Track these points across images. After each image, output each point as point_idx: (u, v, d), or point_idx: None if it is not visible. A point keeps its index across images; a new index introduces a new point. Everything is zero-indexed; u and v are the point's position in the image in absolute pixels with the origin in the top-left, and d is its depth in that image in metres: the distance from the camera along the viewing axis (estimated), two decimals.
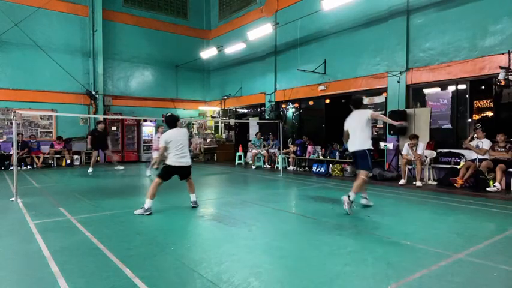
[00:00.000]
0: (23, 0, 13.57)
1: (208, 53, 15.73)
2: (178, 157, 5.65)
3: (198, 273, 3.08)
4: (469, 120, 9.18)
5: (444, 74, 9.10)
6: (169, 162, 5.64)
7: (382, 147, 10.23)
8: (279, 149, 11.79)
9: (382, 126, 10.88)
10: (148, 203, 5.37)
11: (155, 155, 11.42)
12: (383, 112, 10.70)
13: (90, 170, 11.06)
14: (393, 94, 10.06)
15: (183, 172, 5.82)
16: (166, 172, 5.64)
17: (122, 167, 12.01)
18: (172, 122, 5.76)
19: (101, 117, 13.91)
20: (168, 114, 5.95)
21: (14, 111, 6.72)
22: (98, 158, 14.95)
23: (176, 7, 18.10)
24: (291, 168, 12.23)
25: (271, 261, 3.45)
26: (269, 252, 3.76)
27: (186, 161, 5.78)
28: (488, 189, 7.23)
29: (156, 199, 7.10)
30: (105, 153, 12.74)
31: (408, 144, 8.53)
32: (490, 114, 9.17)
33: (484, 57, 8.36)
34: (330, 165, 10.52)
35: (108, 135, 12.41)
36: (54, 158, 13.68)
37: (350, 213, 5.19)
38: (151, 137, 15.84)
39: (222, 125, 17.70)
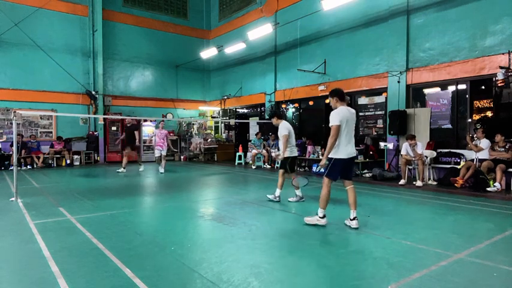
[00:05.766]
0: (23, 0, 13.58)
1: (208, 53, 15.73)
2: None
3: (198, 273, 3.08)
4: (469, 120, 9.18)
5: (444, 74, 9.10)
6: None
7: (382, 147, 10.23)
8: (279, 149, 11.76)
9: (382, 126, 10.89)
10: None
11: (157, 153, 11.54)
12: (383, 112, 10.74)
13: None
14: (393, 94, 10.06)
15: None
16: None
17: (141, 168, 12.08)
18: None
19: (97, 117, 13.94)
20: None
21: (14, 111, 6.72)
22: (98, 158, 15.01)
23: (176, 7, 18.10)
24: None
25: (271, 261, 3.45)
26: (269, 252, 3.76)
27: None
28: (488, 189, 7.23)
29: (157, 199, 7.12)
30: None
31: (410, 145, 8.48)
32: (490, 114, 9.17)
33: (484, 57, 8.36)
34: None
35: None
36: (54, 158, 13.68)
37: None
38: (150, 137, 15.87)
39: (222, 125, 17.70)
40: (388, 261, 3.37)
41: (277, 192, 6.44)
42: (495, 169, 7.34)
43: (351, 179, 4.82)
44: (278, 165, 11.59)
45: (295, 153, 6.58)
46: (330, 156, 4.62)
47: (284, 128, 6.40)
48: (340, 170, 4.65)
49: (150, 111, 16.85)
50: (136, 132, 11.83)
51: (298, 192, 6.50)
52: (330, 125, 4.56)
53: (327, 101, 12.15)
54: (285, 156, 6.41)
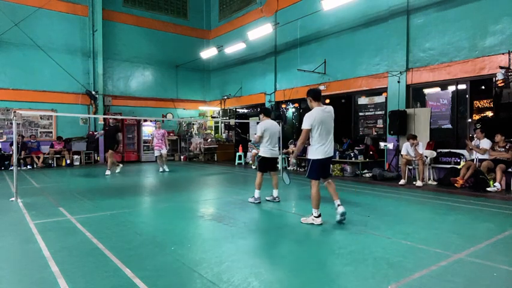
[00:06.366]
0: (23, 0, 13.57)
1: (208, 53, 15.74)
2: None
3: (198, 273, 3.08)
4: (469, 120, 9.18)
5: (444, 74, 9.10)
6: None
7: (382, 147, 10.22)
8: (279, 149, 11.79)
9: (382, 126, 10.89)
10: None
11: (157, 153, 11.73)
12: (383, 112, 10.74)
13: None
14: (393, 94, 10.05)
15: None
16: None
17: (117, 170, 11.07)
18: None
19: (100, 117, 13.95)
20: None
21: (14, 111, 6.72)
22: (98, 158, 15.00)
23: (176, 7, 18.10)
24: (290, 168, 12.23)
25: (271, 261, 3.45)
26: (269, 252, 3.76)
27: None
28: (488, 189, 7.23)
29: (157, 199, 7.12)
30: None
31: (412, 144, 8.46)
32: (490, 114, 9.17)
33: (484, 57, 8.36)
34: (330, 165, 10.51)
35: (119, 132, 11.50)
36: (54, 158, 13.68)
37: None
38: (151, 137, 15.89)
39: (222, 125, 17.71)
40: (388, 261, 3.37)
41: (275, 192, 6.44)
42: (495, 169, 7.34)
43: (328, 177, 4.96)
44: (277, 165, 11.70)
45: (272, 155, 6.33)
46: (308, 157, 4.79)
47: (259, 127, 6.28)
48: (320, 169, 4.75)
49: (150, 111, 16.84)
50: (119, 134, 11.12)
51: (257, 194, 6.28)
52: (302, 127, 4.72)
53: (327, 101, 12.23)
54: (259, 154, 6.38)
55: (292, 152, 12.26)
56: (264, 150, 6.30)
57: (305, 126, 4.65)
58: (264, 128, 6.24)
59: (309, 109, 4.89)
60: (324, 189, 4.88)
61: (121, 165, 11.19)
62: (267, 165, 6.37)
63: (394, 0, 9.97)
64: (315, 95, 4.84)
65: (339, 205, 4.75)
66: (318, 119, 4.62)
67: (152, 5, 17.27)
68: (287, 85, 13.88)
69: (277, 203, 6.30)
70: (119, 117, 14.57)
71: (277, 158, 6.51)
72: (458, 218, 5.29)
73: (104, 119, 15.01)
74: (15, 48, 13.58)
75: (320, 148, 4.67)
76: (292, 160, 4.82)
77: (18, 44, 13.59)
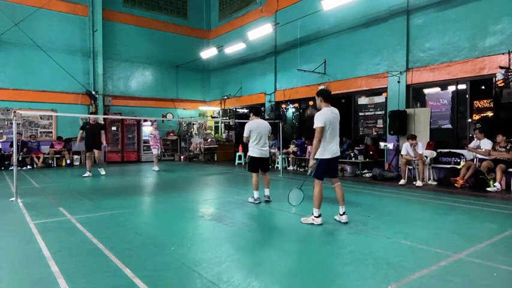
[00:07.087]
0: (23, 0, 13.57)
1: (208, 53, 15.74)
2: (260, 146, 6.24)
3: (198, 273, 3.08)
4: (469, 120, 9.18)
5: (444, 74, 9.10)
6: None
7: (382, 147, 10.22)
8: (279, 149, 11.81)
9: (382, 126, 10.89)
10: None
11: (155, 152, 12.04)
12: (383, 112, 10.74)
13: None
14: (393, 94, 10.05)
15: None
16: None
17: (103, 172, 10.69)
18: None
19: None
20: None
21: (14, 111, 6.72)
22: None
23: (176, 7, 18.10)
24: (290, 168, 12.23)
25: (271, 261, 3.45)
26: (269, 252, 3.76)
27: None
28: (488, 189, 7.23)
29: (157, 199, 7.12)
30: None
31: (411, 145, 8.46)
32: (490, 114, 9.17)
33: (484, 57, 8.36)
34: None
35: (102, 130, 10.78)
36: (54, 158, 13.68)
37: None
38: (150, 136, 15.93)
39: (222, 125, 17.71)
40: (388, 261, 3.37)
41: (266, 191, 6.38)
42: (495, 169, 7.34)
43: (337, 177, 4.98)
44: (277, 166, 11.78)
45: (260, 155, 6.21)
46: (315, 156, 4.76)
47: (246, 127, 6.23)
48: (326, 169, 4.77)
49: (150, 111, 16.85)
50: (102, 132, 10.58)
51: (256, 195, 6.27)
52: (314, 126, 4.67)
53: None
54: (248, 154, 6.37)
55: (293, 152, 12.27)
56: (253, 150, 6.23)
57: (319, 124, 4.61)
58: (250, 128, 6.18)
59: (310, 109, 4.89)
60: (327, 189, 4.88)
61: (91, 174, 10.27)
62: (257, 164, 6.32)
63: (394, 0, 9.97)
64: (326, 95, 4.90)
65: (344, 213, 4.80)
66: (328, 119, 4.68)
67: (152, 5, 17.28)
68: (287, 85, 13.88)
69: (276, 202, 6.29)
70: (119, 117, 14.61)
71: (267, 157, 6.45)
72: (458, 218, 5.29)
73: (104, 119, 14.99)
74: (15, 48, 13.58)
75: (328, 147, 4.71)
76: (312, 161, 4.79)
77: (18, 44, 13.59)
